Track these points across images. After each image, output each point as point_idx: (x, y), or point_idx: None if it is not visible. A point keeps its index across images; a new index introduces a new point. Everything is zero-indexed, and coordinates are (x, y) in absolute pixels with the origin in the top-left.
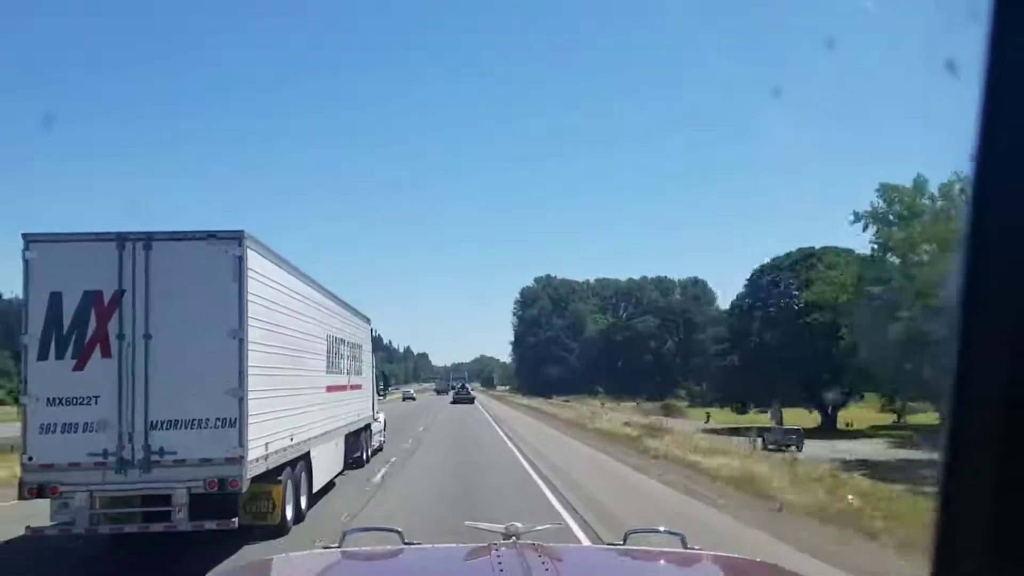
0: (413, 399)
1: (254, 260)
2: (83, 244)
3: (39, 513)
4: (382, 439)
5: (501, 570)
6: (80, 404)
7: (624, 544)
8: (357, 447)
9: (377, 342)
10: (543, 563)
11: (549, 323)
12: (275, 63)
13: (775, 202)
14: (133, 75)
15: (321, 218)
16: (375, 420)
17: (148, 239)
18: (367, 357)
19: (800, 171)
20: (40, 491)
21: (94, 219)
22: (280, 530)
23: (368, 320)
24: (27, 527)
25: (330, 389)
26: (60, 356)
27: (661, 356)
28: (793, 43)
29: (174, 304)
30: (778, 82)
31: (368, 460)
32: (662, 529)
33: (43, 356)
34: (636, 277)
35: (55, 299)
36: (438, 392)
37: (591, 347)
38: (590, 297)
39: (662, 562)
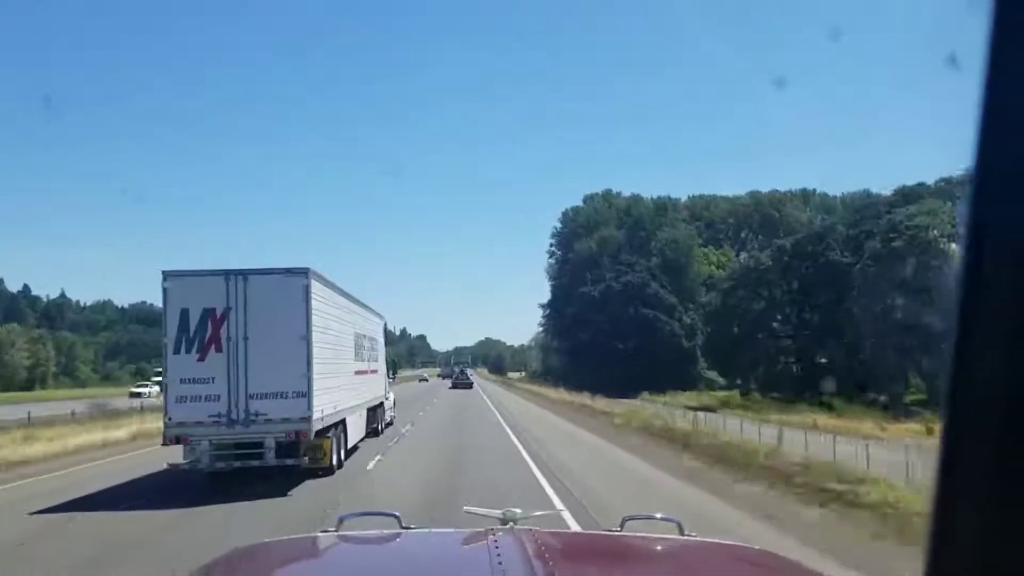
0: (426, 380)
1: (315, 287)
2: (202, 278)
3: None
4: (393, 415)
5: (499, 555)
6: (202, 383)
7: (621, 530)
8: (374, 420)
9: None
10: (541, 548)
11: (620, 262)
12: (265, 48)
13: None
14: (120, 62)
15: (312, 197)
16: (386, 399)
17: (245, 274)
18: (381, 348)
19: None
20: (176, 440)
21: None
22: (329, 471)
23: (382, 317)
24: (168, 463)
25: (357, 373)
26: (188, 351)
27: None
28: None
29: (262, 317)
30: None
31: (382, 431)
32: (659, 516)
33: (177, 351)
34: (764, 190)
35: (184, 313)
36: (442, 376)
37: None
38: (679, 223)
39: (659, 548)
